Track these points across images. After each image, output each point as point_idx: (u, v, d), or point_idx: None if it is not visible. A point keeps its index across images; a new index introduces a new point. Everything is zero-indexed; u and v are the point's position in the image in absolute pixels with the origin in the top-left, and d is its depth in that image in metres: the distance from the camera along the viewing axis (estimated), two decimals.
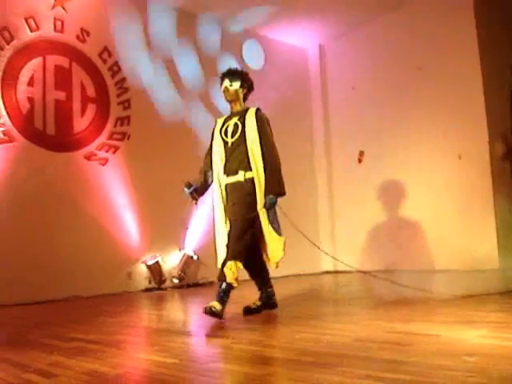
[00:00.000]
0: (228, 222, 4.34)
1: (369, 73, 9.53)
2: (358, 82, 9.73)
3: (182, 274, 7.91)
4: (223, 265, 4.10)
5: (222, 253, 4.29)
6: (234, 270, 4.04)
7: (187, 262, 8.04)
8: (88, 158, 7.47)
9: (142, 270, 7.76)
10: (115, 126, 7.77)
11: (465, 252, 7.77)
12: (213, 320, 4.00)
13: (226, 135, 4.42)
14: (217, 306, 3.96)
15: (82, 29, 7.60)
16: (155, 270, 7.74)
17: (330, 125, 10.28)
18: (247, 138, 4.30)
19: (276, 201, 4.23)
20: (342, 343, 2.96)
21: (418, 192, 8.59)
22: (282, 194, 4.25)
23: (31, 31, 7.18)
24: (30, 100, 7.05)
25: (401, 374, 2.19)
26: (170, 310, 5.85)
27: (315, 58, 10.47)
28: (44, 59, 7.24)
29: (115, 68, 7.88)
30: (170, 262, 8.01)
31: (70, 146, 7.32)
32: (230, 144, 4.37)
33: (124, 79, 7.94)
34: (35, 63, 7.14)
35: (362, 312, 4.34)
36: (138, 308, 5.99)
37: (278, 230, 4.27)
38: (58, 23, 7.43)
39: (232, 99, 4.52)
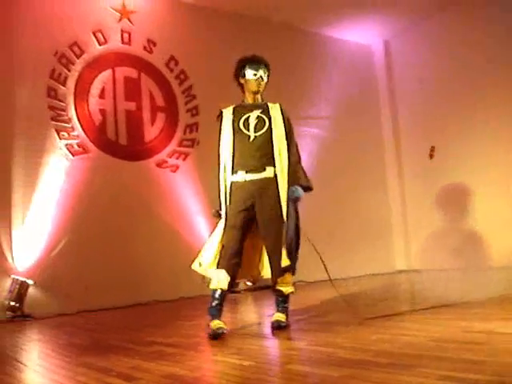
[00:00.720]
0: (243, 221, 3.95)
1: (436, 67, 9.29)
2: (425, 77, 9.51)
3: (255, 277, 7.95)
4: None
5: (211, 254, 3.98)
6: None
7: None
8: (160, 165, 7.64)
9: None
10: (184, 133, 7.92)
11: None
12: (290, 322, 4.02)
13: (248, 129, 4.06)
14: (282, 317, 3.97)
15: (148, 40, 7.79)
16: None
17: (399, 121, 10.09)
18: (273, 133, 4.03)
19: (302, 194, 3.94)
20: (418, 343, 2.91)
21: (491, 189, 8.28)
22: (309, 187, 4.01)
23: (100, 45, 7.42)
24: (102, 112, 7.29)
25: (480, 374, 2.14)
26: (244, 313, 5.90)
27: (380, 55, 10.33)
28: (113, 71, 7.46)
29: (182, 76, 8.02)
30: None
31: (142, 155, 7.51)
32: (252, 138, 4.02)
33: (191, 87, 8.07)
34: (105, 76, 7.37)
35: (437, 311, 4.25)
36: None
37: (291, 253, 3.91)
38: (125, 35, 7.65)
39: (259, 91, 4.21)
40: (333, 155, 9.22)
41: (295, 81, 9.00)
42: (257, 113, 4.12)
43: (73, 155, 6.95)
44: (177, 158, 7.79)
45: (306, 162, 8.82)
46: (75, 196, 6.90)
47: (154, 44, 7.84)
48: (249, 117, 4.10)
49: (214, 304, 3.89)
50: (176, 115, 7.92)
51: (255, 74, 4.19)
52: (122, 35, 7.62)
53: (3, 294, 6.23)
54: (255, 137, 4.02)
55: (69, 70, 7.12)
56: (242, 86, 4.32)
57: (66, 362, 3.37)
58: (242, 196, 3.96)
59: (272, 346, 3.53)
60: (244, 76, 4.25)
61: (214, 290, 3.90)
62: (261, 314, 5.61)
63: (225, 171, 4.06)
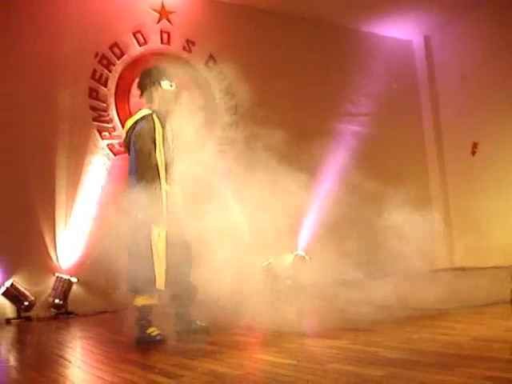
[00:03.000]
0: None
1: (478, 62, 9.12)
2: (467, 72, 9.35)
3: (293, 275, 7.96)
4: None
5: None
6: None
7: (299, 262, 8.08)
8: (199, 164, 7.67)
9: (256, 272, 7.87)
10: (223, 131, 7.95)
11: None
12: (329, 321, 4.00)
13: (168, 142, 4.08)
14: None
15: (187, 39, 7.85)
16: (269, 271, 7.83)
17: (440, 117, 9.95)
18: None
19: None
20: (460, 343, 2.87)
21: None
22: None
23: (139, 45, 7.50)
24: None
25: None
26: (287, 311, 5.89)
27: (420, 50, 10.19)
28: None
29: (221, 75, 8.05)
30: (283, 263, 8.07)
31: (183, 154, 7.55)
32: (171, 151, 4.08)
33: (229, 85, 8.09)
34: None
35: (479, 311, 4.17)
36: (253, 309, 6.07)
37: None
38: (165, 35, 7.72)
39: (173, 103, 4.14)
40: (373, 152, 9.12)
41: (335, 78, 8.96)
42: (168, 126, 4.13)
43: (114, 155, 7.04)
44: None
45: (346, 158, 8.85)
46: (117, 195, 6.98)
47: (193, 43, 7.89)
48: (168, 131, 4.11)
49: None
50: (215, 114, 7.95)
51: (172, 87, 4.14)
52: (161, 35, 7.69)
53: (48, 292, 6.37)
54: (172, 150, 4.10)
55: (109, 71, 7.23)
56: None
57: (109, 358, 3.43)
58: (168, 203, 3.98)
59: (312, 344, 3.51)
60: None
61: None
62: (303, 313, 5.59)
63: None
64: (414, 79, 10.23)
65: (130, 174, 4.03)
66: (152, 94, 4.09)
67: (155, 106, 4.08)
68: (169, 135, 4.08)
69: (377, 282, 7.16)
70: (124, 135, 4.15)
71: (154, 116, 4.01)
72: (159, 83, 4.06)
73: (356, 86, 9.30)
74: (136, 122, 4.00)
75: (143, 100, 4.19)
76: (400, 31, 9.91)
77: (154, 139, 3.94)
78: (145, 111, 4.07)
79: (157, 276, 3.80)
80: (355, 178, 8.80)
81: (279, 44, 8.61)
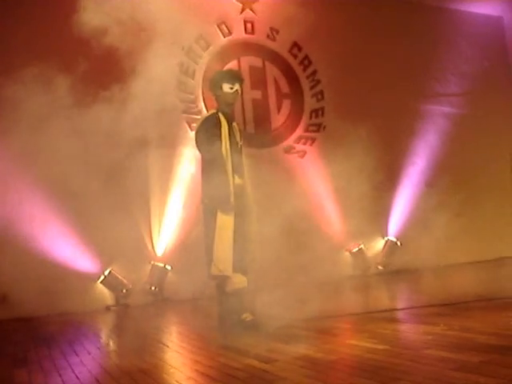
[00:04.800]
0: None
1: None
2: None
3: (387, 261, 7.87)
4: None
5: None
6: None
7: (391, 248, 7.98)
8: (287, 151, 7.72)
9: (346, 257, 7.85)
10: (310, 118, 7.94)
11: None
12: (421, 306, 3.94)
13: (235, 137, 4.34)
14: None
15: (271, 28, 7.86)
16: (359, 256, 7.79)
17: None
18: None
19: None
20: None
21: None
22: None
23: (224, 36, 7.59)
24: None
25: None
26: (376, 297, 5.84)
27: None
28: (239, 61, 7.61)
29: (306, 61, 8.03)
30: (374, 248, 8.00)
31: (270, 142, 7.60)
32: (239, 146, 4.35)
33: (315, 72, 8.06)
34: (231, 66, 7.53)
35: None
36: (345, 295, 6.06)
37: None
38: (249, 25, 7.77)
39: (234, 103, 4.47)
40: (464, 133, 8.83)
41: (422, 57, 8.72)
42: (234, 124, 4.44)
43: None
44: (304, 144, 7.83)
45: (435, 140, 8.62)
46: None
47: (277, 31, 7.90)
48: (234, 127, 4.40)
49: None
50: (301, 101, 7.95)
51: (234, 88, 4.40)
52: (245, 25, 7.75)
53: (144, 280, 6.59)
54: (240, 146, 4.39)
55: (196, 63, 7.36)
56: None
57: (205, 343, 3.52)
58: (238, 197, 4.17)
59: (405, 330, 3.48)
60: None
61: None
62: (393, 298, 5.54)
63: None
64: (504, 56, 9.80)
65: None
66: (216, 95, 4.46)
67: (220, 106, 4.44)
68: (236, 132, 4.36)
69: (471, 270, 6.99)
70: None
71: (220, 114, 4.33)
72: (221, 86, 4.39)
73: (444, 65, 9.03)
74: (201, 122, 4.36)
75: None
76: (490, 8, 9.51)
77: (219, 135, 4.20)
78: (211, 111, 4.49)
79: (217, 261, 3.95)
80: (447, 161, 8.60)
81: (363, 28, 8.46)
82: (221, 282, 4.07)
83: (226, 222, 4.04)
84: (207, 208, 4.13)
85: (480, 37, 9.53)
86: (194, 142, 4.32)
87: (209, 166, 4.18)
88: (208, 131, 4.21)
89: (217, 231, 4.00)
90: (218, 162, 4.12)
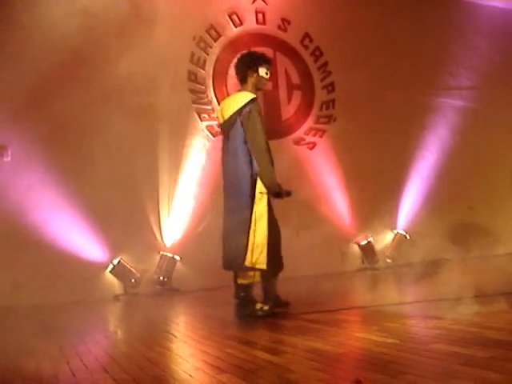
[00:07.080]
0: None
1: None
2: None
3: (395, 254, 7.86)
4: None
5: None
6: None
7: (400, 241, 7.95)
8: (297, 143, 7.69)
9: (355, 250, 7.83)
10: (321, 109, 7.91)
11: None
12: (430, 301, 3.92)
13: (265, 126, 4.19)
14: None
15: (282, 18, 7.82)
16: (368, 249, 7.77)
17: None
18: None
19: None
20: None
21: None
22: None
23: (235, 27, 7.55)
24: None
25: None
26: (385, 290, 5.83)
27: None
28: None
29: (317, 53, 7.98)
30: (383, 241, 7.99)
31: (280, 133, 7.57)
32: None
33: (326, 63, 8.01)
34: None
35: None
36: (354, 288, 6.06)
37: None
38: (260, 16, 7.73)
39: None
40: (477, 128, 8.76)
41: (434, 50, 8.65)
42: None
43: (213, 136, 7.16)
44: (314, 135, 7.80)
45: (446, 136, 8.58)
46: (216, 175, 7.10)
47: (289, 22, 7.86)
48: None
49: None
50: (312, 92, 7.92)
51: (266, 73, 4.23)
52: (256, 16, 7.71)
53: (153, 270, 6.61)
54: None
55: (207, 54, 7.33)
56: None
57: (213, 334, 3.52)
58: None
59: (414, 324, 3.46)
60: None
61: None
62: (402, 292, 5.52)
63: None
64: None
65: (233, 154, 4.16)
66: (247, 78, 4.18)
67: (248, 90, 4.16)
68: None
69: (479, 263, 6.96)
70: (226, 116, 4.20)
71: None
72: (257, 69, 4.13)
73: (456, 58, 8.96)
74: (245, 105, 4.05)
75: (239, 82, 4.30)
76: (504, 1, 9.42)
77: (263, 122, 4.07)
78: (250, 94, 4.13)
79: (255, 251, 3.91)
80: (458, 154, 8.55)
81: (376, 20, 8.38)
82: (237, 272, 4.05)
83: (264, 211, 4.01)
84: (242, 194, 4.05)
85: (495, 30, 9.42)
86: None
87: (260, 151, 4.07)
88: (260, 115, 4.07)
89: (257, 219, 3.96)
90: (267, 149, 4.11)
